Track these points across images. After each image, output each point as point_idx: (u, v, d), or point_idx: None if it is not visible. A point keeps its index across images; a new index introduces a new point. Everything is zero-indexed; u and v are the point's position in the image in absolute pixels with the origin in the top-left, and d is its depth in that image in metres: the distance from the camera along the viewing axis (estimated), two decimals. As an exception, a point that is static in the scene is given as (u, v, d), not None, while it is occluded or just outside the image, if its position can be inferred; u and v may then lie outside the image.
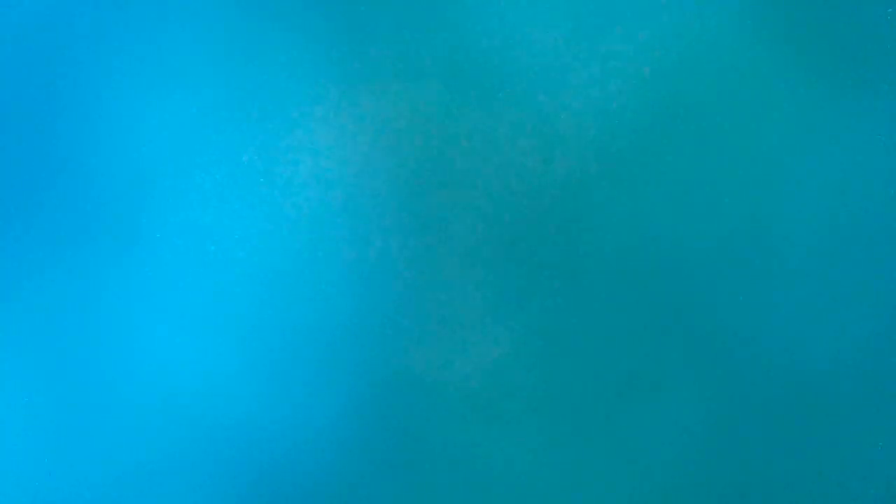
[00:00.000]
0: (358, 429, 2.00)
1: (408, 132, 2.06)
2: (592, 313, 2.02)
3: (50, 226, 2.05)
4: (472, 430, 2.00)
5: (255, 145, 2.05)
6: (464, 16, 2.08)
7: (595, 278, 2.03)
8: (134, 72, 2.08)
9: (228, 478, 2.00)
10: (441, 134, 2.05)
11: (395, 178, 2.05)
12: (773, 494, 1.99)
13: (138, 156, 2.06)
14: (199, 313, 2.03)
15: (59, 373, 2.02)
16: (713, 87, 2.06)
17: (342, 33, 2.08)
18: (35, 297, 2.04)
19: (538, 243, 2.03)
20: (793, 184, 2.04)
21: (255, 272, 2.03)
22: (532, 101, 2.06)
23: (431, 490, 1.99)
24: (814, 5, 2.08)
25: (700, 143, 2.05)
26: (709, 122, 2.05)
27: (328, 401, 2.01)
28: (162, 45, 2.08)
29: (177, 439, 2.00)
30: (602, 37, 2.07)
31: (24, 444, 2.01)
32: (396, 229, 2.04)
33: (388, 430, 2.00)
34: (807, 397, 2.01)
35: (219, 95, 2.07)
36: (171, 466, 2.00)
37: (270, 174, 2.05)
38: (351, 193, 2.04)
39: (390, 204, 2.04)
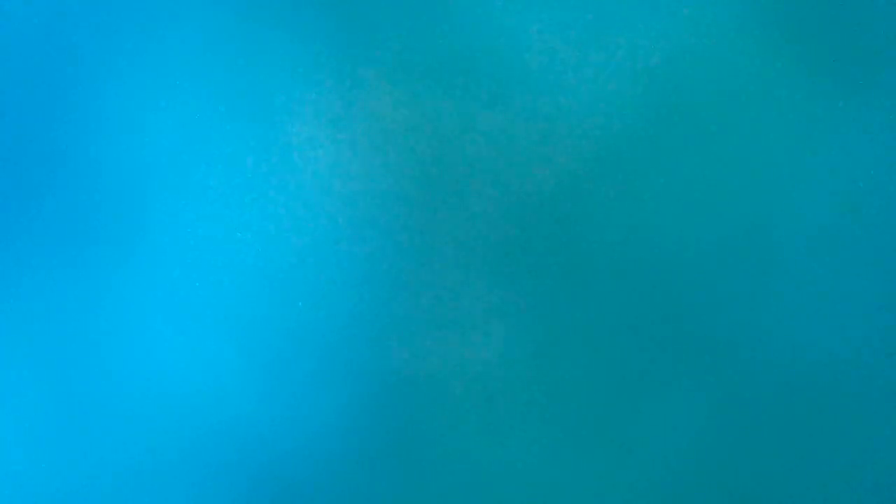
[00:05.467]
0: (357, 428, 2.00)
1: (408, 132, 2.06)
2: (593, 313, 2.02)
3: (50, 226, 2.05)
4: (471, 429, 2.00)
5: (256, 146, 2.05)
6: (464, 16, 2.08)
7: (595, 278, 2.03)
8: (135, 72, 2.08)
9: (228, 477, 2.00)
10: (441, 134, 2.05)
11: (394, 177, 2.05)
12: (774, 495, 1.99)
13: (139, 156, 2.06)
14: (199, 313, 2.03)
15: (59, 372, 2.02)
16: (714, 87, 2.06)
17: (343, 34, 2.08)
18: (36, 297, 2.04)
19: (538, 243, 2.03)
20: (793, 183, 2.04)
21: (256, 272, 2.03)
22: (532, 102, 2.06)
23: (431, 490, 1.99)
24: (814, 5, 2.08)
25: (700, 143, 2.05)
26: (709, 123, 2.05)
27: (328, 401, 2.01)
28: (164, 44, 2.08)
29: (177, 438, 2.00)
30: (603, 37, 2.07)
31: (24, 443, 2.01)
32: (396, 229, 2.04)
33: (387, 430, 2.00)
34: (808, 397, 2.01)
35: (220, 96, 2.07)
36: (172, 466, 2.00)
37: (271, 174, 2.05)
38: (351, 193, 2.05)
39: (390, 203, 2.04)
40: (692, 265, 2.03)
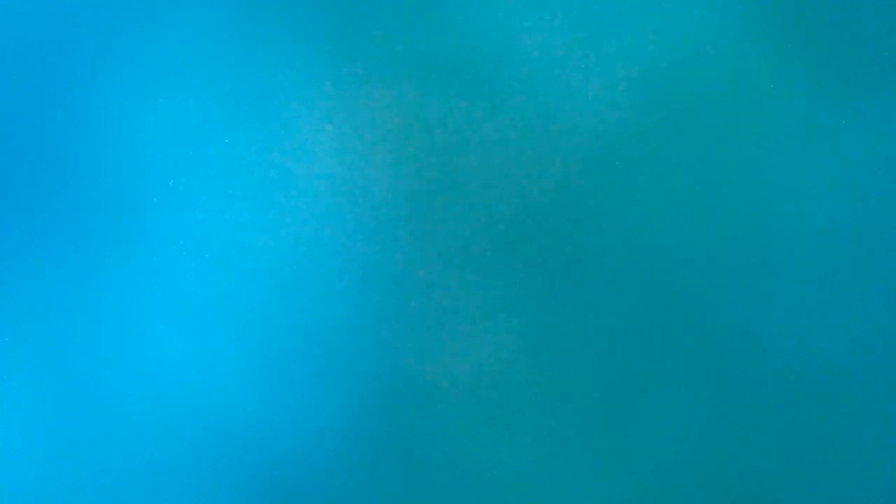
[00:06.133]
0: (358, 429, 2.00)
1: (407, 132, 2.06)
2: (593, 313, 2.02)
3: (50, 226, 2.05)
4: (472, 430, 2.00)
5: (255, 146, 2.05)
6: (464, 16, 2.08)
7: (595, 278, 2.02)
8: (135, 72, 2.08)
9: (228, 478, 2.00)
10: (440, 134, 2.05)
11: (394, 177, 2.05)
12: (775, 495, 1.99)
13: (139, 156, 2.06)
14: (199, 313, 2.02)
15: (58, 372, 2.02)
16: (714, 88, 2.06)
17: (344, 34, 2.08)
18: (36, 298, 2.04)
19: (538, 243, 2.03)
20: (794, 184, 2.04)
21: (255, 273, 2.03)
22: (531, 102, 2.06)
23: (431, 490, 1.99)
24: (815, 5, 2.08)
25: (701, 144, 2.05)
26: (709, 124, 2.05)
27: (328, 401, 2.01)
28: (163, 44, 2.08)
29: (177, 438, 2.00)
30: (602, 37, 2.07)
31: (23, 443, 2.01)
32: (396, 229, 2.04)
33: (387, 430, 2.00)
34: (808, 397, 2.01)
35: (219, 97, 2.07)
36: (171, 466, 2.00)
37: (271, 174, 2.05)
38: (351, 194, 2.04)
39: (390, 204, 2.04)
40: (693, 266, 2.03)
